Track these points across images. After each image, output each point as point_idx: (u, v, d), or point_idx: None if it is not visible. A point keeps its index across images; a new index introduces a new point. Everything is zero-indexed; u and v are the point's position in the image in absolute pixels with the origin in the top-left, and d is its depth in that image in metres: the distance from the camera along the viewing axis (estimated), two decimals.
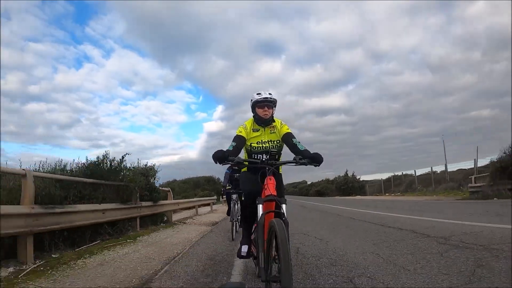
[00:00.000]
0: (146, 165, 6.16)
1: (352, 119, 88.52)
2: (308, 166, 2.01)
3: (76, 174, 4.33)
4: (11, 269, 2.90)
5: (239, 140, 2.20)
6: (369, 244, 3.57)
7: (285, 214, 1.82)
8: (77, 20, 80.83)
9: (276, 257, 1.60)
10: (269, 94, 2.29)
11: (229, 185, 5.52)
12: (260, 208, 1.87)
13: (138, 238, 4.83)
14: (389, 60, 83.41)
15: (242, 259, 2.68)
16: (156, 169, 6.35)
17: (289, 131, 2.33)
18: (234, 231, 4.80)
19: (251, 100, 2.35)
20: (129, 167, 5.52)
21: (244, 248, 2.34)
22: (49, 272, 2.89)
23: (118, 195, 4.90)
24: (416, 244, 3.34)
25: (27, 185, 3.11)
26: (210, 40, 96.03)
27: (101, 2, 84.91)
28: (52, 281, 2.65)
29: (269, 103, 2.28)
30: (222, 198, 6.42)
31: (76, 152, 77.90)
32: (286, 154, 2.43)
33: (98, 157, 4.72)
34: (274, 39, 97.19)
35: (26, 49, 68.09)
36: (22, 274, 2.77)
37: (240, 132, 2.27)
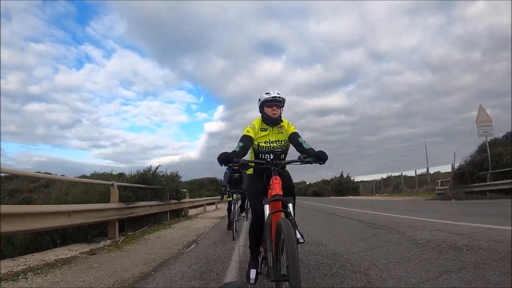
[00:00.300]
0: (172, 172, 8.21)
1: (352, 119, 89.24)
2: (313, 164, 2.05)
3: (133, 181, 6.34)
4: (108, 241, 4.89)
5: (247, 141, 2.20)
6: (326, 227, 5.59)
7: (292, 213, 1.81)
8: (78, 20, 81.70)
9: (282, 255, 1.62)
10: (278, 94, 2.30)
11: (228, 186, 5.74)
12: (266, 208, 1.86)
13: (171, 225, 6.85)
14: (389, 60, 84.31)
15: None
16: (179, 175, 8.39)
17: (295, 131, 2.35)
18: (235, 230, 4.96)
19: (259, 99, 2.35)
20: (161, 173, 7.55)
21: (253, 274, 2.20)
22: (131, 242, 4.88)
23: (157, 195, 6.90)
24: (352, 225, 5.36)
25: (114, 190, 5.12)
26: (210, 40, 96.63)
27: (102, 2, 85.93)
28: (135, 246, 4.62)
29: (278, 102, 2.29)
30: (223, 198, 6.96)
31: (76, 152, 78.74)
32: (290, 154, 2.43)
33: (144, 169, 6.75)
34: (275, 39, 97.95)
35: (27, 49, 69.30)
36: (119, 242, 4.77)
37: (248, 132, 2.26)
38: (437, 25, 70.96)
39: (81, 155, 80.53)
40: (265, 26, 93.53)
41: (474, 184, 10.57)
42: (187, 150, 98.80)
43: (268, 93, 2.29)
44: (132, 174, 6.69)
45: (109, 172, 7.61)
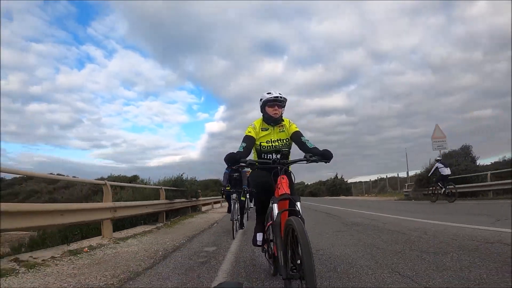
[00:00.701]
0: (192, 178, 10.96)
1: (353, 119, 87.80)
2: (318, 163, 2.07)
3: (170, 185, 9.03)
4: (161, 224, 7.55)
5: (249, 141, 2.25)
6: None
7: (300, 211, 1.84)
8: (79, 21, 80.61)
9: (295, 254, 1.63)
10: (279, 94, 2.34)
11: (228, 186, 5.95)
12: (275, 207, 1.89)
13: (193, 216, 9.56)
14: (390, 60, 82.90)
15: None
16: (196, 180, 11.12)
17: (297, 129, 2.38)
18: (235, 230, 4.96)
19: (261, 99, 2.39)
20: (184, 178, 10.25)
21: (259, 237, 2.42)
22: (174, 224, 7.54)
23: (183, 194, 9.61)
24: (324, 219, 8.03)
25: (162, 192, 7.82)
26: (211, 40, 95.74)
27: (103, 3, 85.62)
28: (177, 226, 7.21)
29: (279, 102, 2.34)
30: (222, 197, 7.21)
31: (76, 152, 79.02)
32: (293, 153, 2.45)
33: (176, 175, 9.49)
34: (276, 40, 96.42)
35: (28, 50, 68.98)
36: (168, 224, 7.44)
37: (249, 132, 2.31)
38: (438, 25, 70.03)
39: (81, 155, 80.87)
40: (266, 26, 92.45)
41: (430, 188, 13.29)
42: (188, 150, 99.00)
43: (270, 93, 2.35)
44: (168, 178, 9.43)
45: (110, 171, 10.16)
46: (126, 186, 8.63)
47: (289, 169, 2.28)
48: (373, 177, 34.32)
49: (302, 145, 2.26)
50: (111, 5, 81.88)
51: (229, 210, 5.98)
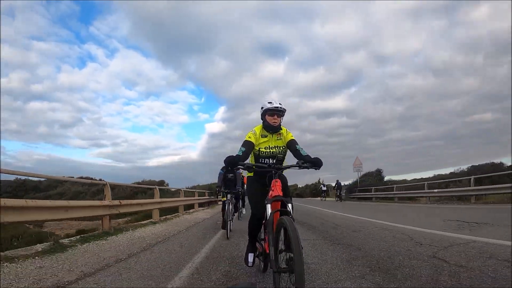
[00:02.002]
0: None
1: (355, 121, 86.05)
2: (309, 169, 2.26)
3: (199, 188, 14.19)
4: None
5: (248, 146, 2.41)
6: None
7: (291, 212, 2.03)
8: (82, 20, 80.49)
9: (283, 249, 1.84)
10: (280, 104, 2.48)
11: (222, 186, 5.87)
12: (268, 208, 2.07)
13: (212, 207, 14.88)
14: (393, 63, 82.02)
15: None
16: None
17: (293, 138, 2.55)
18: (229, 230, 4.92)
19: (262, 107, 2.54)
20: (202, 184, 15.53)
21: (250, 258, 2.53)
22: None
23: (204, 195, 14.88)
24: None
25: (182, 192, 13.08)
26: (213, 41, 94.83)
27: (106, 2, 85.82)
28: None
29: (279, 112, 2.49)
30: (217, 197, 6.64)
31: (76, 151, 78.80)
32: (289, 160, 2.61)
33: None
34: (278, 41, 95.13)
35: (30, 48, 69.14)
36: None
37: (250, 138, 2.47)
38: (440, 28, 69.55)
39: (81, 154, 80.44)
40: (268, 27, 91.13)
41: (353, 194, 20.20)
42: (188, 151, 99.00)
43: (271, 103, 2.49)
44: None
45: (109, 170, 13.20)
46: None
47: (283, 173, 2.54)
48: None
49: (296, 153, 2.42)
50: (114, 4, 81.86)
51: (223, 211, 5.89)
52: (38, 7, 67.90)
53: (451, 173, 19.79)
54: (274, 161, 2.50)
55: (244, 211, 9.57)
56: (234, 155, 2.25)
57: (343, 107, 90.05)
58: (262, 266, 2.50)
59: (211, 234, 5.39)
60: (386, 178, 21.50)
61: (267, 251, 2.08)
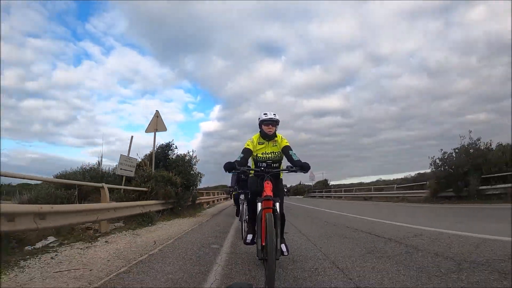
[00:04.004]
0: None
1: (350, 121, 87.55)
2: (298, 173, 2.65)
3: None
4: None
5: (246, 153, 2.82)
6: None
7: (278, 210, 2.41)
8: (78, 17, 74.94)
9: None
10: (274, 115, 2.88)
11: (236, 187, 5.91)
12: (259, 205, 2.46)
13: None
14: (388, 63, 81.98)
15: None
16: None
17: (287, 144, 2.90)
18: (244, 231, 4.83)
19: (259, 118, 2.93)
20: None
21: (249, 237, 2.92)
22: (211, 206, 21.19)
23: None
24: None
25: (218, 192, 21.56)
26: (211, 39, 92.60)
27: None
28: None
29: (273, 122, 2.87)
30: (231, 198, 7.62)
31: (69, 150, 75.51)
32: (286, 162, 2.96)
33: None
34: (275, 40, 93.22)
35: (26, 45, 64.41)
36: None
37: (248, 145, 2.86)
38: (436, 29, 69.47)
39: (74, 152, 77.21)
40: (266, 27, 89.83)
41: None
42: (183, 150, 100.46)
43: (266, 114, 2.89)
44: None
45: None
46: None
47: (281, 175, 2.98)
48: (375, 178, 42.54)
49: (289, 158, 2.80)
50: (111, 1, 77.06)
51: (237, 214, 6.14)
52: (34, 3, 63.86)
53: (396, 179, 27.23)
54: (265, 166, 2.86)
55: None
56: (233, 161, 2.60)
57: (338, 106, 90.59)
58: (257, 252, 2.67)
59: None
60: (332, 183, 34.33)
61: (263, 243, 2.30)
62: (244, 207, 5.13)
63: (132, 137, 8.51)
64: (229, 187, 6.18)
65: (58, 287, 2.33)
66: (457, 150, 12.22)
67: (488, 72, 61.14)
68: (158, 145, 10.28)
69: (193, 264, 3.04)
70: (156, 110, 9.59)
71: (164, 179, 8.22)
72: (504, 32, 43.97)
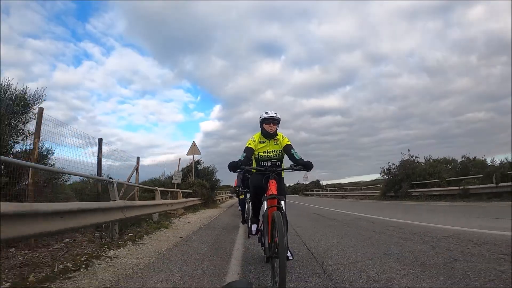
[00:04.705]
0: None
1: (349, 120, 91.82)
2: (301, 171, 2.64)
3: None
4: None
5: (249, 152, 2.80)
6: None
7: (284, 208, 2.37)
8: (78, 17, 77.51)
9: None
10: (275, 113, 2.87)
11: (241, 186, 6.08)
12: (264, 204, 2.46)
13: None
14: (387, 63, 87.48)
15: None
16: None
17: (289, 143, 2.89)
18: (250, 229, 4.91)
19: (260, 117, 2.92)
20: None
21: (254, 227, 3.07)
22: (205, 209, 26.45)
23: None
24: None
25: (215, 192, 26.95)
26: (211, 40, 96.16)
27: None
28: (207, 210, 16.34)
29: (274, 120, 2.86)
30: (238, 197, 7.31)
31: (69, 150, 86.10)
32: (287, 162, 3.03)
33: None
34: (275, 41, 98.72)
35: (25, 46, 66.16)
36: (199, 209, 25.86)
37: (250, 144, 2.85)
38: (435, 29, 73.13)
39: (74, 152, 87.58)
40: (266, 27, 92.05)
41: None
42: (183, 149, 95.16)
43: (267, 113, 2.88)
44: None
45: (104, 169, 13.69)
46: None
47: (282, 174, 2.95)
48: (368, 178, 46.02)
49: (291, 156, 2.77)
50: (111, 2, 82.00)
51: (241, 206, 6.31)
52: (33, 4, 65.75)
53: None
54: (270, 164, 2.85)
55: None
56: (236, 160, 2.59)
57: (337, 106, 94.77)
58: (264, 251, 2.54)
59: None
60: (325, 182, 37.91)
61: (269, 241, 2.32)
62: (250, 206, 5.18)
63: (179, 159, 13.91)
64: (235, 187, 6.64)
65: (192, 221, 7.66)
66: (397, 165, 17.55)
67: (487, 71, 64.21)
68: (190, 161, 15.74)
69: (227, 231, 5.67)
70: (193, 141, 15.02)
71: (200, 184, 13.52)
72: (503, 31, 44.88)
